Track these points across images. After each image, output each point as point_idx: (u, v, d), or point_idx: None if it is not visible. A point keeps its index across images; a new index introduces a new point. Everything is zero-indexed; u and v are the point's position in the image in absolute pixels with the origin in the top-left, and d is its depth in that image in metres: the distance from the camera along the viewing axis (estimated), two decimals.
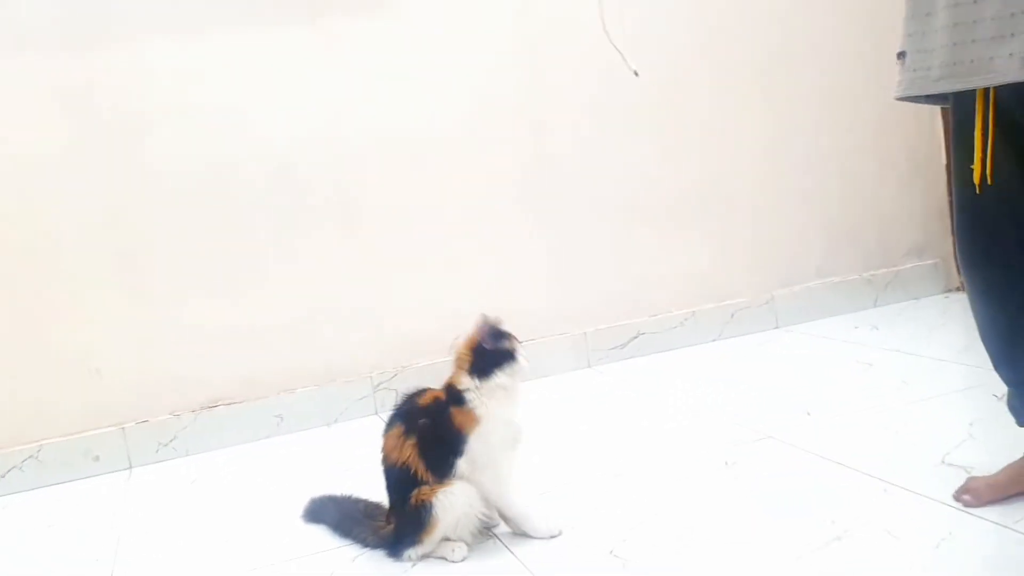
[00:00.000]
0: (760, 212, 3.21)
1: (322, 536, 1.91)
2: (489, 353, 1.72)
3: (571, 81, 2.99)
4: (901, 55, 1.60)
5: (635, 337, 3.10)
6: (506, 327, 1.76)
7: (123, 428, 2.66)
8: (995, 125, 1.50)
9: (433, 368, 2.83)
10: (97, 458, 2.63)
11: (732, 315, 3.17)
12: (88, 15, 2.59)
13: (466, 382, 1.72)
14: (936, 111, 3.32)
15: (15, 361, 2.59)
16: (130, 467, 2.65)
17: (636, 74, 2.20)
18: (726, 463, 2.02)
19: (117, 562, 1.95)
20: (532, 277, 3.00)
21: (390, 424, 1.77)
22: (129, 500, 2.38)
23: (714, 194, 3.16)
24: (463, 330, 1.78)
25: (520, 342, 1.76)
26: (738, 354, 2.99)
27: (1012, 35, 1.40)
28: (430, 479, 1.68)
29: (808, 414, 2.26)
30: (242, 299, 2.75)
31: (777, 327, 3.21)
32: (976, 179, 1.51)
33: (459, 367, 1.75)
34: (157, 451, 2.67)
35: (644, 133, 3.07)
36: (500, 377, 1.71)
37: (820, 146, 3.25)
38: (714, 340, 3.15)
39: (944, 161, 3.36)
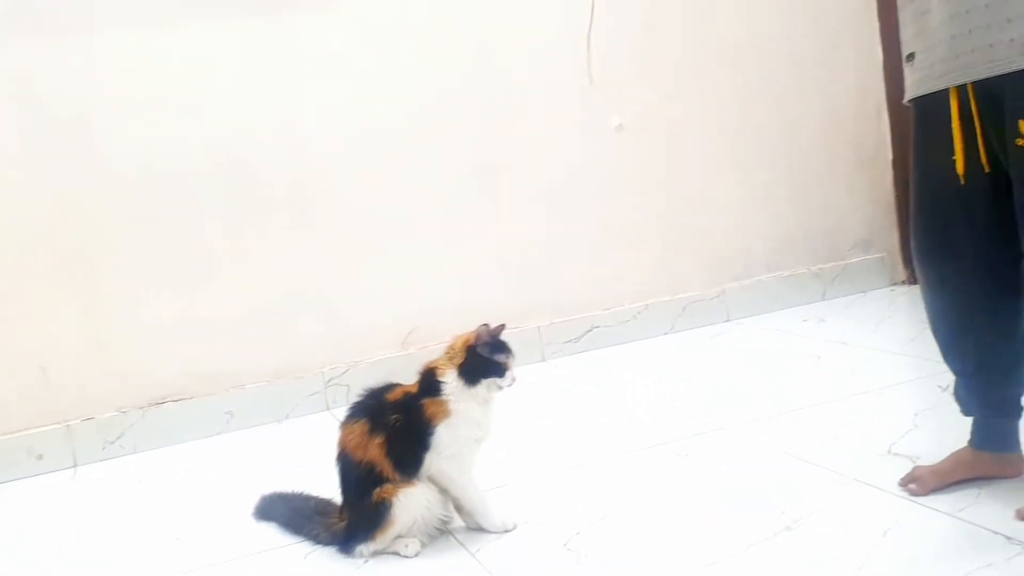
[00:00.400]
0: (711, 206, 3.25)
1: (273, 533, 1.88)
2: (482, 360, 1.71)
3: (529, 76, 2.99)
4: (910, 57, 1.59)
5: (589, 331, 3.11)
6: (508, 341, 1.75)
7: (68, 426, 2.60)
8: (965, 119, 1.51)
9: (385, 363, 2.82)
10: (41, 456, 2.58)
11: (684, 308, 3.20)
12: (37, 5, 2.53)
13: (450, 377, 1.71)
14: (882, 106, 3.38)
15: None
16: (75, 465, 2.60)
17: (620, 127, 2.23)
18: (679, 455, 2.04)
19: (60, 561, 1.91)
20: (486, 271, 3.00)
21: (351, 418, 1.74)
22: (74, 499, 2.33)
23: (666, 189, 3.19)
24: (463, 327, 1.79)
25: (514, 359, 1.74)
26: (690, 347, 3.02)
27: (1009, 20, 1.39)
28: (396, 477, 1.67)
29: (758, 405, 2.29)
30: (192, 294, 2.71)
31: (728, 320, 3.24)
32: (960, 171, 1.52)
33: (448, 359, 1.73)
34: (103, 449, 2.62)
35: (598, 128, 3.08)
36: (482, 388, 1.71)
37: (770, 142, 3.30)
38: (666, 333, 3.17)
39: (890, 156, 3.42)
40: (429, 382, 1.72)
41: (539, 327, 3.06)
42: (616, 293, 3.15)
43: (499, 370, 1.72)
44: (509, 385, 1.73)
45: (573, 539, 1.68)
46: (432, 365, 1.75)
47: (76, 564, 1.90)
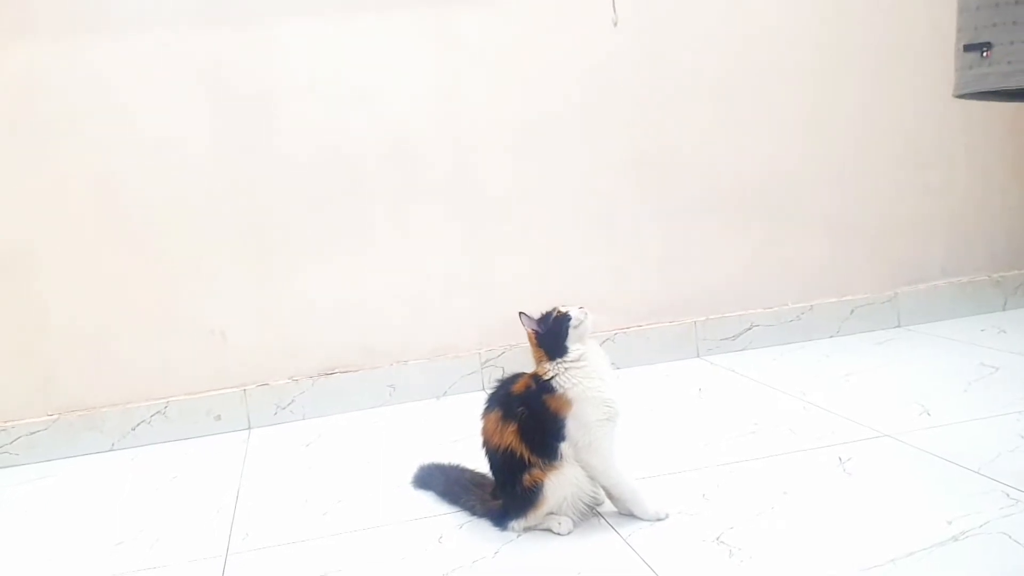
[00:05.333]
0: (882, 205, 3.12)
1: (430, 502, 1.96)
2: (549, 334, 1.74)
3: (688, 66, 2.97)
4: (979, 47, 1.47)
5: (748, 329, 3.05)
6: (545, 309, 1.78)
7: (244, 390, 2.78)
8: None
9: None
10: (219, 417, 2.76)
11: (852, 311, 3.09)
12: None
13: (549, 369, 1.73)
14: None
15: (146, 322, 2.73)
16: (249, 427, 2.77)
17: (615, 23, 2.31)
18: (840, 459, 1.98)
19: (237, 514, 2.04)
20: (642, 263, 3.00)
21: (488, 408, 1.80)
22: (248, 458, 2.48)
23: (834, 185, 3.09)
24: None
25: (564, 308, 1.76)
26: (857, 351, 2.91)
27: None
28: (538, 462, 1.70)
29: (928, 414, 2.19)
30: (359, 272, 2.83)
31: (899, 326, 3.11)
32: None
33: (538, 363, 1.77)
34: (275, 413, 2.78)
35: (761, 117, 3.02)
36: (575, 345, 1.72)
37: (949, 138, 3.13)
38: (832, 336, 3.08)
39: None
40: (541, 384, 1.74)
41: (695, 322, 3.03)
42: (778, 292, 3.08)
43: (565, 320, 1.73)
44: (584, 317, 1.74)
45: (726, 533, 1.67)
46: (534, 373, 1.77)
47: (248, 517, 2.02)
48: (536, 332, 1.76)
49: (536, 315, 1.77)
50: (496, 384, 1.84)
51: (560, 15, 2.89)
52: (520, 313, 1.77)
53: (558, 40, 2.89)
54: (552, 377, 1.72)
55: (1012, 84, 1.46)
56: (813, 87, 3.04)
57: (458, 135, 2.86)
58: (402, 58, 2.80)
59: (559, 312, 1.75)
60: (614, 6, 2.77)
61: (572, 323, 1.73)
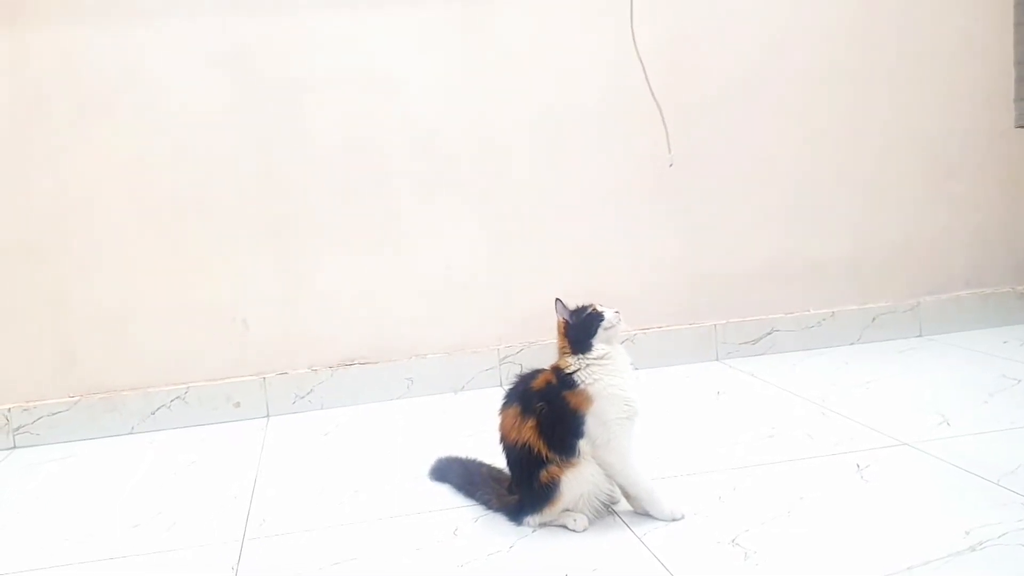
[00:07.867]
0: (908, 214, 3.10)
1: (447, 494, 1.97)
2: (579, 327, 1.74)
3: (714, 66, 2.96)
4: None
5: (768, 333, 3.04)
6: (582, 302, 1.78)
7: (264, 378, 2.79)
8: None
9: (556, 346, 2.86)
10: (238, 404, 2.78)
11: (874, 319, 3.08)
12: None
13: (572, 363, 1.73)
14: None
15: (169, 307, 2.75)
16: (268, 416, 2.78)
17: (671, 165, 2.31)
18: (858, 466, 1.97)
19: (254, 501, 2.05)
20: (662, 264, 2.99)
21: (506, 403, 1.80)
22: (266, 446, 2.49)
23: (859, 192, 3.08)
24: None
25: (601, 308, 1.76)
26: (877, 359, 2.89)
27: None
28: (556, 458, 1.70)
29: (948, 424, 2.18)
30: (381, 265, 2.84)
31: (920, 335, 3.09)
32: None
33: (562, 354, 1.77)
34: (294, 403, 2.80)
35: (784, 120, 3.02)
36: (599, 344, 1.73)
37: (975, 150, 3.12)
38: (852, 343, 3.06)
39: None
40: (562, 379, 1.74)
41: (715, 325, 3.03)
42: (800, 297, 3.07)
43: (597, 319, 1.73)
44: (617, 322, 1.74)
45: (741, 535, 1.66)
46: (556, 366, 1.78)
47: (265, 504, 2.04)
48: (567, 321, 1.76)
49: (572, 305, 1.77)
50: (515, 379, 1.84)
51: (586, 11, 2.89)
52: (556, 299, 1.78)
53: (584, 37, 2.89)
54: (574, 371, 1.73)
55: None
56: (840, 94, 3.03)
57: (483, 131, 2.87)
58: (429, 51, 2.81)
59: (594, 309, 1.75)
60: (669, 145, 2.76)
61: (604, 324, 1.73)
